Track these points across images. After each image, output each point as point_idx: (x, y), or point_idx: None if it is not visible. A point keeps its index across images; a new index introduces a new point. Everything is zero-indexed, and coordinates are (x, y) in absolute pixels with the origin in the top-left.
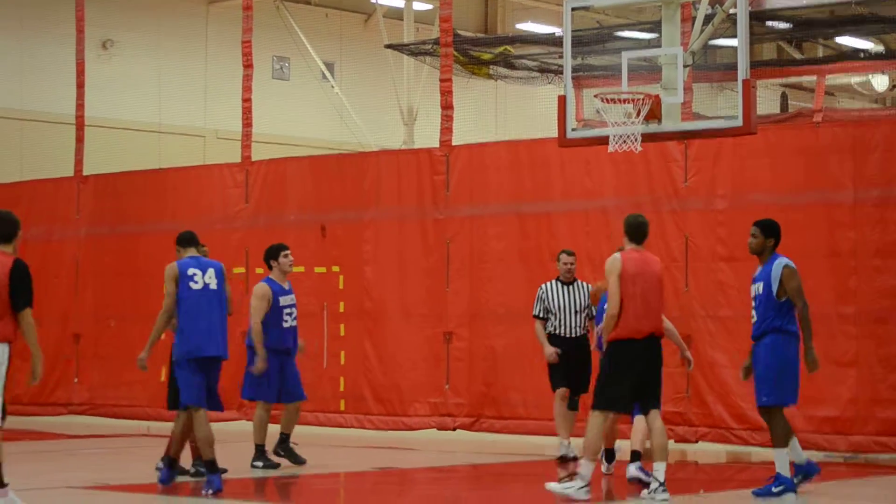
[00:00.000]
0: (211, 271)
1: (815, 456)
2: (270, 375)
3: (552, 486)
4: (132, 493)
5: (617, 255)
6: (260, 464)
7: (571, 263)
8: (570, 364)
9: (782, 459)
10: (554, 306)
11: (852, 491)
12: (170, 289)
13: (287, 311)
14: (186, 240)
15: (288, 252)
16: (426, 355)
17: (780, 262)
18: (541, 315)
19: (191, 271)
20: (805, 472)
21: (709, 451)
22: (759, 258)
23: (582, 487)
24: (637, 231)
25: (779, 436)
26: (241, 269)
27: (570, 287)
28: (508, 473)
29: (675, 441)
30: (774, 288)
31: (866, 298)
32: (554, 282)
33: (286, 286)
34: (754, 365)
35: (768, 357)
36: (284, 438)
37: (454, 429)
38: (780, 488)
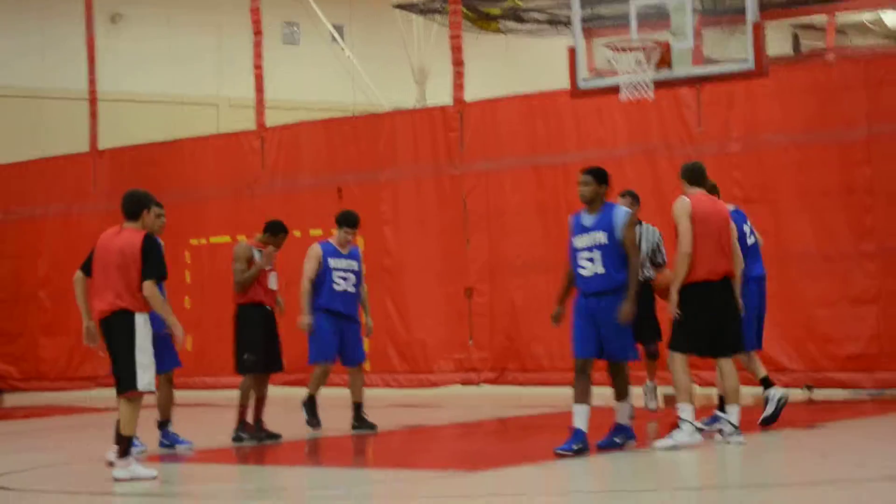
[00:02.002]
0: None
1: (840, 395)
2: (324, 337)
3: (661, 443)
4: (156, 462)
5: (685, 197)
6: (305, 416)
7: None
8: None
9: (624, 411)
10: None
11: (878, 429)
12: None
13: (340, 274)
14: None
15: (350, 231)
16: (448, 312)
17: (623, 209)
18: None
19: None
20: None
21: None
22: (590, 207)
23: (693, 431)
24: (698, 174)
25: (626, 387)
26: (261, 235)
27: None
28: (535, 426)
29: (700, 385)
30: (619, 236)
31: (884, 235)
32: None
33: (345, 251)
34: (611, 321)
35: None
36: (356, 409)
37: (479, 384)
38: (623, 438)
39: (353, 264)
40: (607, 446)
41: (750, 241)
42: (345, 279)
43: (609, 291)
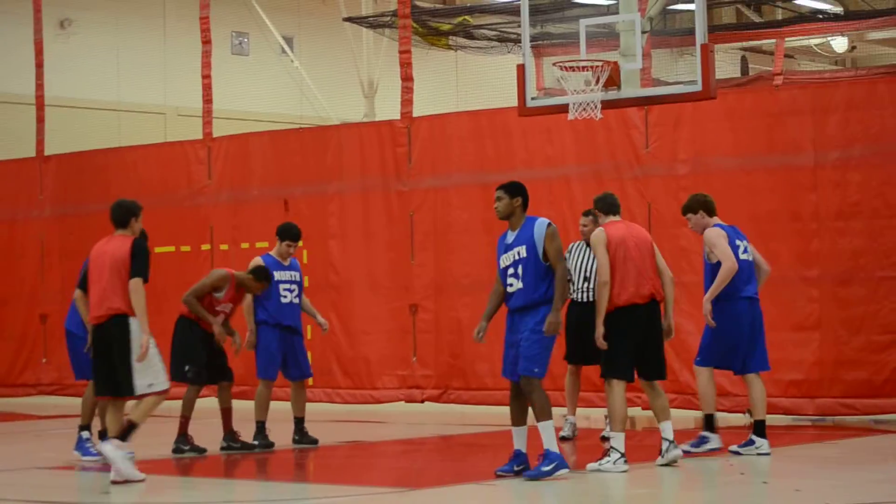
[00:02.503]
0: None
1: (782, 420)
2: (271, 353)
3: (590, 465)
4: (101, 472)
5: (599, 228)
6: (256, 442)
7: (584, 225)
8: (583, 333)
9: (550, 432)
10: (572, 268)
11: (819, 453)
12: None
13: (285, 286)
14: None
15: (291, 244)
16: (392, 328)
17: (542, 221)
18: None
19: None
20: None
21: (676, 418)
22: (509, 223)
23: (619, 459)
24: (611, 204)
25: (547, 406)
26: (207, 246)
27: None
28: (477, 444)
29: (642, 409)
30: (541, 250)
31: (829, 261)
32: (580, 242)
33: (286, 263)
34: (524, 336)
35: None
36: (298, 423)
37: (422, 401)
38: (552, 465)
39: (296, 275)
40: (536, 476)
41: (742, 257)
42: (290, 291)
43: (528, 307)
